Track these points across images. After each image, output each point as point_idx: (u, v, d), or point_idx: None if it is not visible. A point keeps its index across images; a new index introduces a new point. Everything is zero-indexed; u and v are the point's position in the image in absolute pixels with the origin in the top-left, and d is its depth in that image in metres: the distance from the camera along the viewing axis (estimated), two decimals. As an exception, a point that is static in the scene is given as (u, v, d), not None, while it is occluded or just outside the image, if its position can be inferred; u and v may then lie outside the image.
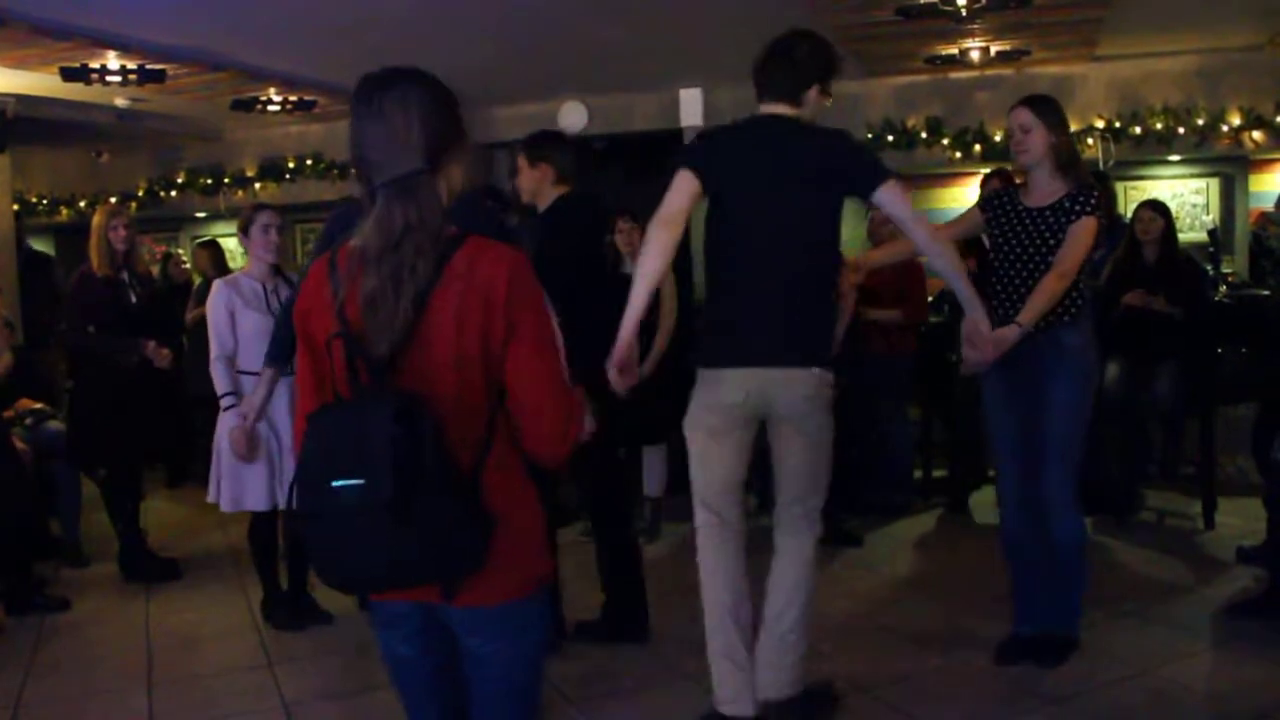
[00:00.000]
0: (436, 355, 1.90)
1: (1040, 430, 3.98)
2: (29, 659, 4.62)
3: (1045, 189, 3.98)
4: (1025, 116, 3.97)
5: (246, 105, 7.68)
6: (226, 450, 4.62)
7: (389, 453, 1.75)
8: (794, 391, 3.44)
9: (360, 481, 1.77)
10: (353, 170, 2.01)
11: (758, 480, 6.31)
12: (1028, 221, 3.98)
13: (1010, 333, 3.78)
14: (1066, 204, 3.89)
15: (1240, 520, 5.69)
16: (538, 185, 4.46)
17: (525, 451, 2.01)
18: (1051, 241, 3.89)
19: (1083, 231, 3.84)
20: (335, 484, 1.78)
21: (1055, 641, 4.07)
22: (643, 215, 6.10)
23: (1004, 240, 4.04)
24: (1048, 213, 3.94)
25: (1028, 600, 4.14)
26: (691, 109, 8.43)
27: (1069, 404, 3.94)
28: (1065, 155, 3.96)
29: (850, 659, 4.20)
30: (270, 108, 7.75)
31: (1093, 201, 3.88)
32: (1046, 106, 3.99)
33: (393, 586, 1.95)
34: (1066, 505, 3.99)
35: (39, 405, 6.04)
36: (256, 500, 4.68)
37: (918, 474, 6.74)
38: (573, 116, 8.67)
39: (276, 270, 4.85)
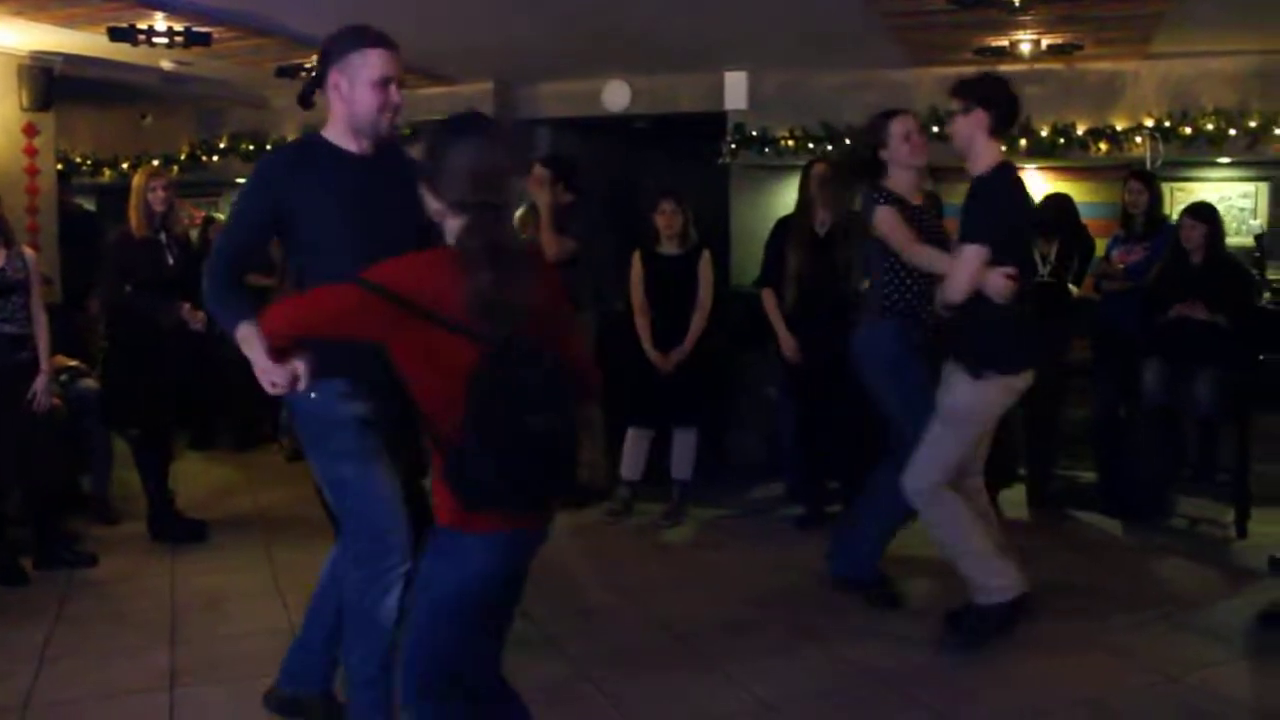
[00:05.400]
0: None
1: None
2: (55, 612, 4.66)
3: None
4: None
5: (290, 73, 7.67)
6: None
7: (569, 393, 2.44)
8: None
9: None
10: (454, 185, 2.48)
11: (794, 477, 6.30)
12: None
13: None
14: None
15: (1273, 529, 5.60)
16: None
17: None
18: None
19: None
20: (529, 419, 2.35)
21: None
22: (685, 196, 6.14)
23: None
24: None
25: None
26: (736, 93, 8.37)
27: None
28: None
29: (884, 655, 4.18)
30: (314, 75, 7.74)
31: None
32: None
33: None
34: None
35: (73, 363, 6.08)
36: None
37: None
38: (616, 96, 8.64)
39: None
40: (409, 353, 2.45)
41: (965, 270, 3.97)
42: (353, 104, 3.02)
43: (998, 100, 4.05)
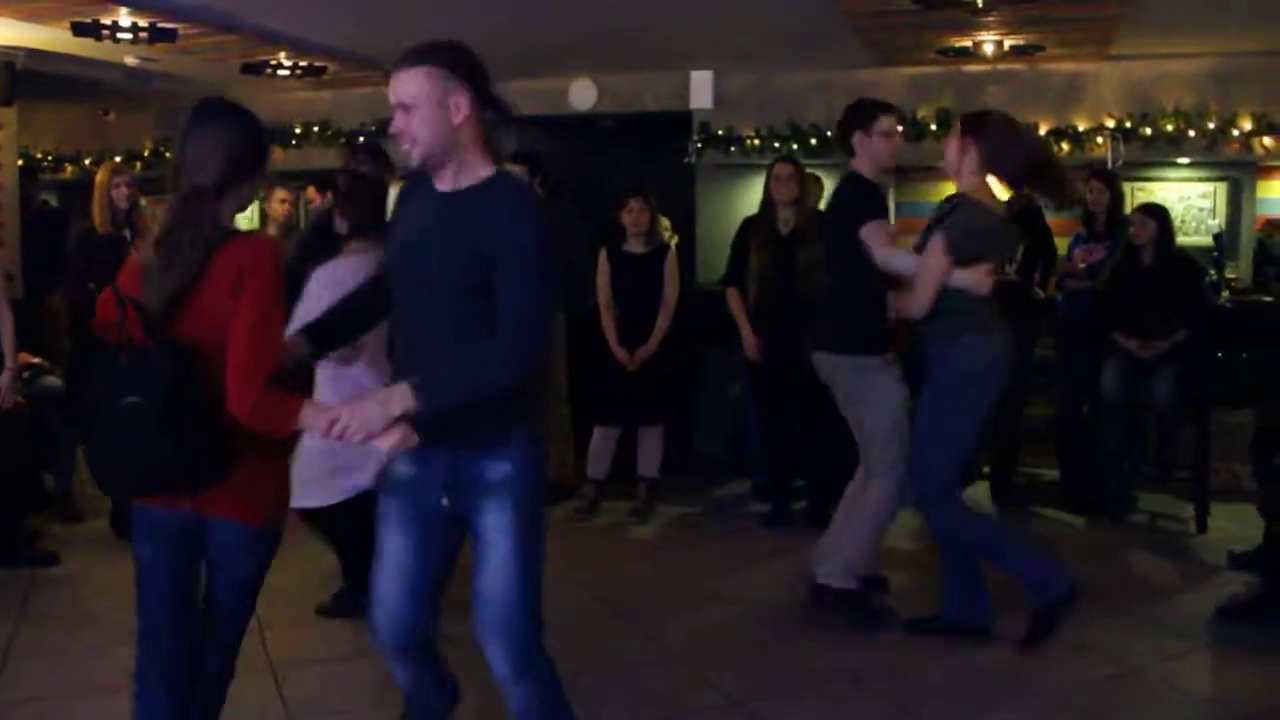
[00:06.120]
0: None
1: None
2: (18, 610, 4.62)
3: None
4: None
5: (256, 69, 7.63)
6: None
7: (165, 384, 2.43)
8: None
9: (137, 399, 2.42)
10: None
11: (760, 474, 6.33)
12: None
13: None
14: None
15: (1232, 525, 5.67)
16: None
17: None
18: None
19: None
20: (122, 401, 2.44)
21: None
22: (651, 194, 6.15)
23: None
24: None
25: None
26: (702, 92, 8.40)
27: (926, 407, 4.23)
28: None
29: (852, 651, 4.22)
30: (280, 72, 7.70)
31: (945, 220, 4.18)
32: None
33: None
34: (929, 503, 4.25)
35: (36, 360, 6.02)
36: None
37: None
38: (582, 94, 8.64)
39: None
40: None
41: None
42: None
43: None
